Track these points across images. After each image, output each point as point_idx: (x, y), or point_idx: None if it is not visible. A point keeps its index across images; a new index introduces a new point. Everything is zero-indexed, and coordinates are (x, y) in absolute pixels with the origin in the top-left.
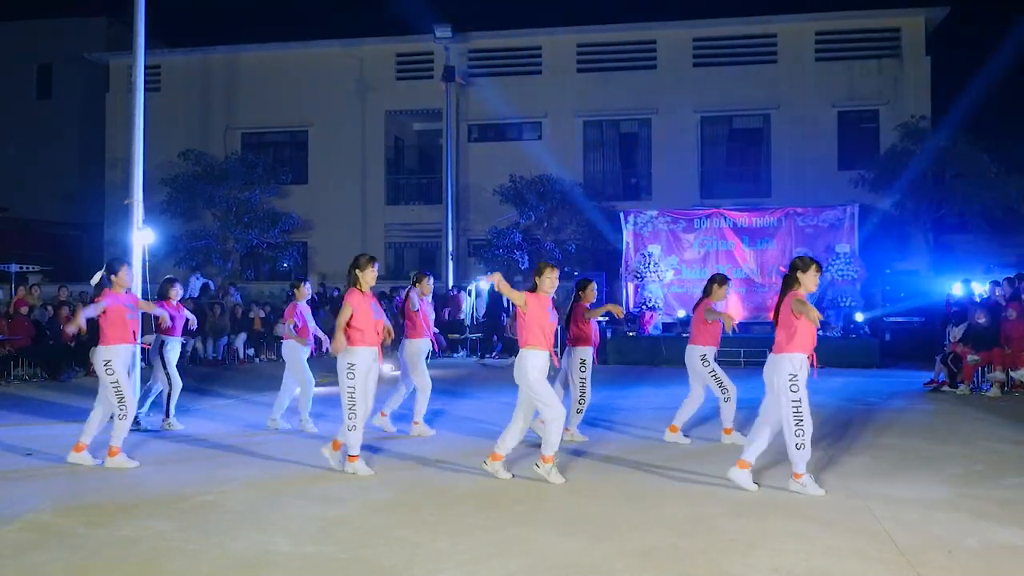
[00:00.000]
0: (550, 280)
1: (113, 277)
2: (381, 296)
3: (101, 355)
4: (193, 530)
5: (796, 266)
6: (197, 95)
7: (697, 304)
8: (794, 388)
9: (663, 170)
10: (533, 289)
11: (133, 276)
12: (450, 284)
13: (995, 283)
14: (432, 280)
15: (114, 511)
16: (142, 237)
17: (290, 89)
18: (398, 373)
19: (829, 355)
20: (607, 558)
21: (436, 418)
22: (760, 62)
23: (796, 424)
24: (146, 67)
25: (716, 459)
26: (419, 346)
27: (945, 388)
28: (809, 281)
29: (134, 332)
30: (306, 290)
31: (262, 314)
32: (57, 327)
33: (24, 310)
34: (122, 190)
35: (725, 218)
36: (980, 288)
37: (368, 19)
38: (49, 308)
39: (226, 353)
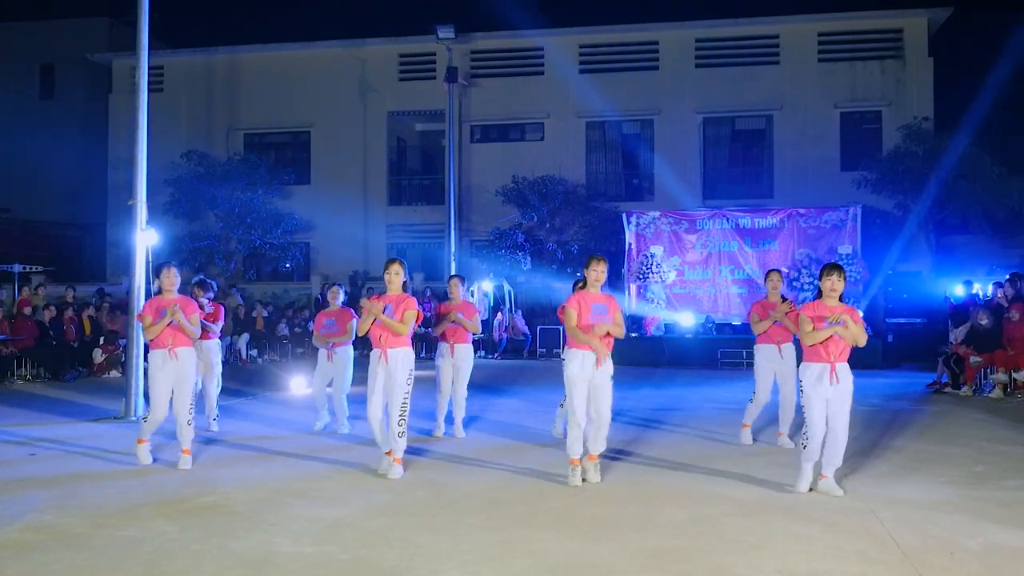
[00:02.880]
0: (595, 273)
1: (156, 281)
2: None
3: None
4: (195, 531)
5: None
6: (200, 96)
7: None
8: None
9: (665, 171)
10: (583, 285)
11: (177, 278)
12: None
13: (998, 284)
14: (463, 284)
15: (117, 512)
16: (145, 238)
17: (292, 90)
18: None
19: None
20: (609, 559)
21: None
22: (762, 63)
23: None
24: (149, 68)
25: (717, 460)
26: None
27: (947, 389)
28: (824, 286)
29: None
30: (337, 294)
31: (264, 314)
32: (60, 328)
33: (28, 310)
34: (125, 191)
35: (727, 219)
36: (978, 286)
37: (370, 20)
38: (52, 308)
39: (228, 354)
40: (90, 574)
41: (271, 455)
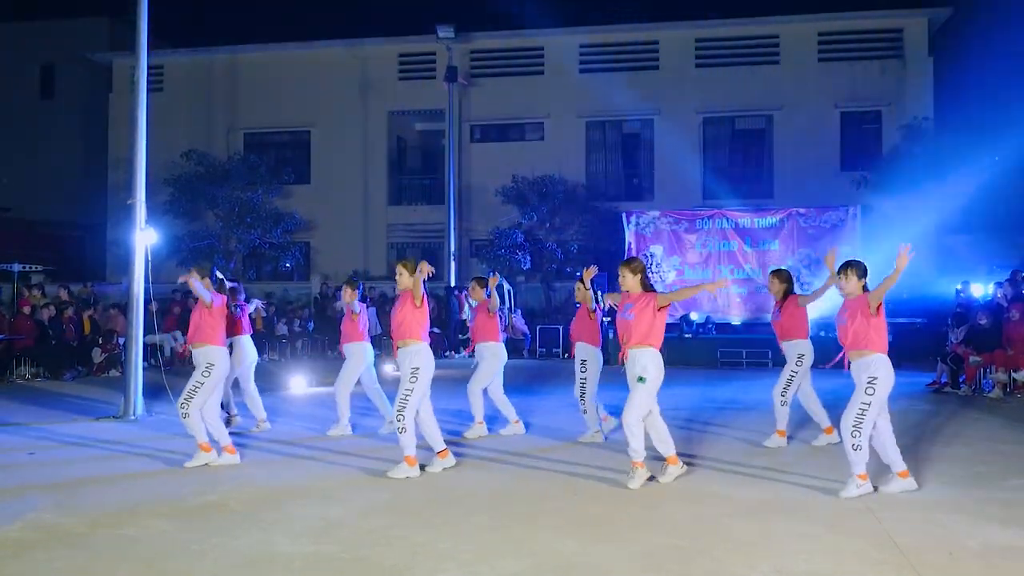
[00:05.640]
0: (624, 276)
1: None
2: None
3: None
4: (195, 530)
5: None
6: (200, 95)
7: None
8: (870, 391)
9: (665, 171)
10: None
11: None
12: (452, 284)
13: (999, 284)
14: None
15: (116, 511)
16: (145, 237)
17: (293, 89)
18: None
19: (832, 356)
20: (608, 559)
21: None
22: (763, 63)
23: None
24: (149, 67)
25: (717, 460)
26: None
27: (947, 389)
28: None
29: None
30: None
31: (264, 314)
32: (60, 327)
33: (27, 310)
34: (125, 190)
35: (727, 219)
36: (981, 290)
37: (371, 19)
38: (52, 307)
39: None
40: (89, 573)
41: (270, 455)
